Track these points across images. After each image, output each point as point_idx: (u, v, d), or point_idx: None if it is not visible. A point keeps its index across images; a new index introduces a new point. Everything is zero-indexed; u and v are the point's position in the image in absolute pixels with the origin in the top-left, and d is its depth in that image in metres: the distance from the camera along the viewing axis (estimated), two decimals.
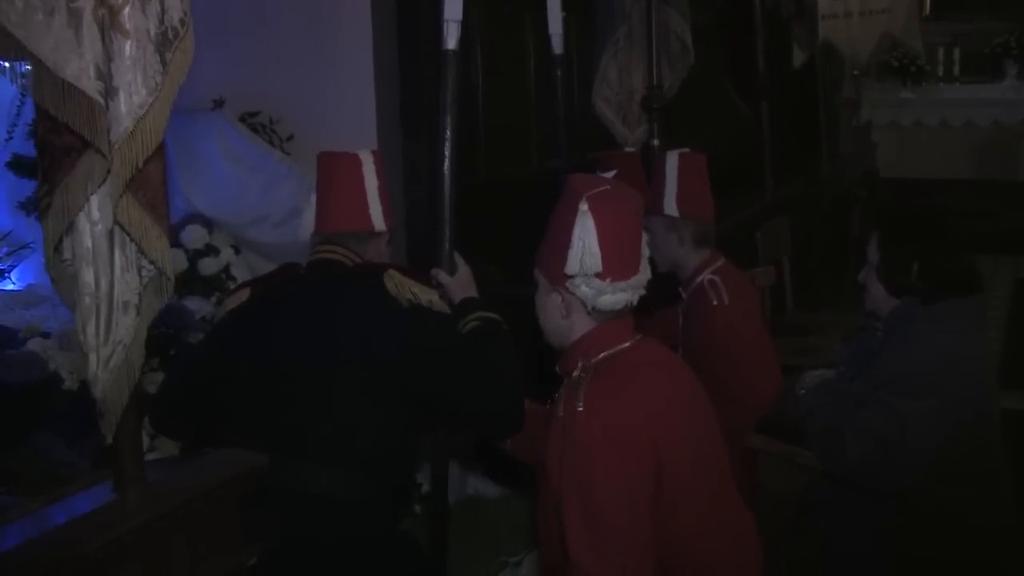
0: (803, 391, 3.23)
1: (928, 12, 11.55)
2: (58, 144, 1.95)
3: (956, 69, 11.48)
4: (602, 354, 2.45)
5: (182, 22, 1.96)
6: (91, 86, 1.88)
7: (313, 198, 2.93)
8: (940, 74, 11.46)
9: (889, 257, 3.07)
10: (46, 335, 3.97)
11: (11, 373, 3.71)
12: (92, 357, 2.07)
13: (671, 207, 3.67)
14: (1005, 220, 9.69)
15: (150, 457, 3.22)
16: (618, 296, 2.41)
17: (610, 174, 3.74)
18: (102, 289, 2.02)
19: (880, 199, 9.69)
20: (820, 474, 3.15)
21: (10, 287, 4.74)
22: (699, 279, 3.72)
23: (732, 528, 2.51)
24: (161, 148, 1.98)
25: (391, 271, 2.71)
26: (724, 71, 7.00)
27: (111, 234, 2.01)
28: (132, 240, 2.01)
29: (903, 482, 2.94)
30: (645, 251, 2.47)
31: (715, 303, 3.66)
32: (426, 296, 2.71)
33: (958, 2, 11.50)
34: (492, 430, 2.85)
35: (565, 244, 2.38)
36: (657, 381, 2.45)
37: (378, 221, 2.84)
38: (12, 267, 4.79)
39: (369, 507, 2.65)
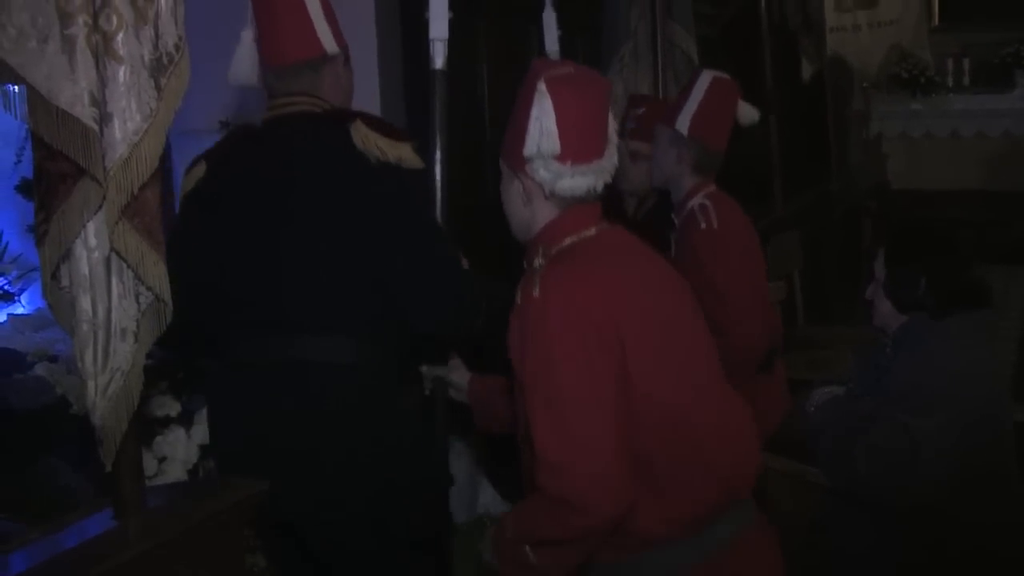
0: (813, 408, 3.21)
1: (937, 23, 11.51)
2: (53, 171, 1.95)
3: (966, 80, 11.46)
4: (565, 241, 2.36)
5: (177, 47, 1.95)
6: (85, 113, 1.87)
7: (246, 33, 2.70)
8: (950, 85, 11.44)
9: (896, 273, 3.04)
10: (54, 359, 3.96)
11: (19, 398, 3.71)
12: (90, 384, 2.06)
13: (683, 123, 3.62)
14: (1017, 230, 9.64)
15: (156, 482, 3.22)
16: (578, 180, 2.31)
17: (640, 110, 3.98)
18: (99, 316, 2.01)
19: (891, 211, 9.67)
20: (830, 492, 3.13)
21: (20, 310, 4.74)
22: (690, 203, 3.66)
23: (717, 421, 2.36)
24: (157, 174, 1.97)
25: (358, 123, 2.59)
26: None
27: (108, 261, 2.00)
28: (129, 267, 2.00)
29: (914, 500, 2.91)
30: (612, 136, 2.39)
31: (703, 227, 3.59)
32: (394, 152, 2.60)
33: (967, 13, 11.47)
34: (426, 322, 2.76)
35: (523, 127, 2.30)
36: (619, 265, 2.37)
37: (328, 42, 2.67)
38: (22, 290, 4.79)
39: (364, 373, 2.67)
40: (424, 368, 3.03)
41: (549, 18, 3.45)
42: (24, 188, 4.72)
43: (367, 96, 4.45)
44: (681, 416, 2.29)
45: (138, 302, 2.06)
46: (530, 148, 2.29)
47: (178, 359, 3.28)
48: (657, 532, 2.28)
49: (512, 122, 2.37)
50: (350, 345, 2.63)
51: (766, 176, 6.95)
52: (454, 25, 3.10)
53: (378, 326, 2.68)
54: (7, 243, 4.90)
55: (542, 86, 2.27)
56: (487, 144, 5.14)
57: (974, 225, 9.09)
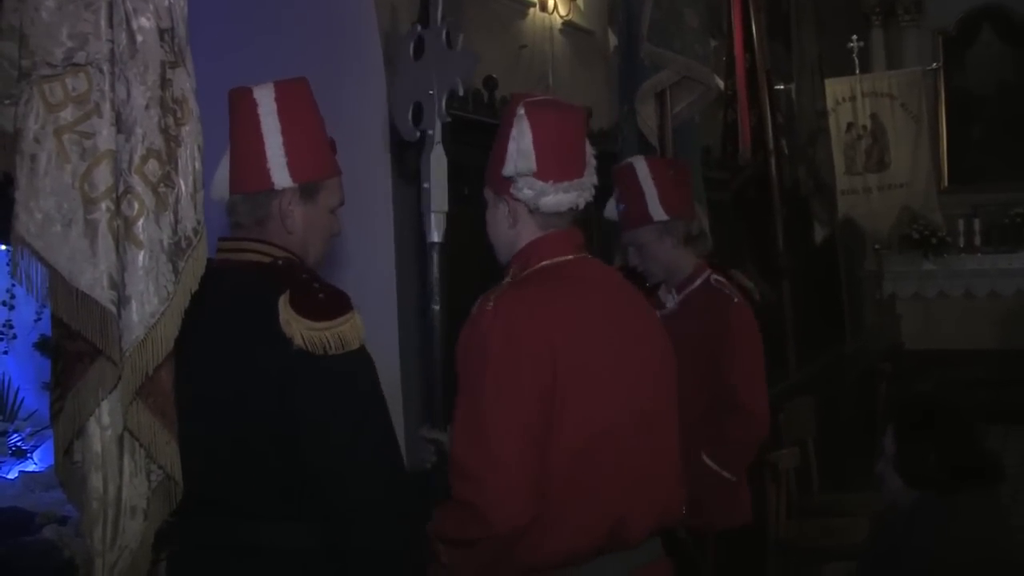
0: None
1: (946, 184, 11.69)
2: (71, 350, 1.98)
3: (977, 240, 11.57)
4: (541, 263, 2.44)
5: (195, 231, 2.00)
6: (104, 295, 1.91)
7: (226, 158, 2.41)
8: (961, 245, 11.55)
9: (905, 450, 3.03)
10: (63, 521, 3.95)
11: (25, 562, 3.68)
12: (98, 562, 2.05)
13: (657, 211, 3.63)
14: None
15: None
16: (560, 197, 2.42)
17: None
18: (110, 494, 2.01)
19: (905, 373, 9.64)
20: None
21: (32, 468, 4.74)
22: (700, 279, 3.68)
23: (629, 467, 2.38)
24: (171, 355, 2.00)
25: (286, 297, 2.18)
26: (744, 252, 7.06)
27: (121, 439, 2.01)
28: (141, 445, 2.01)
29: None
30: (591, 157, 2.48)
31: (736, 300, 3.62)
32: (321, 336, 2.16)
33: (976, 174, 11.65)
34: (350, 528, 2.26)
35: (503, 150, 2.43)
36: (580, 295, 2.43)
37: (279, 175, 2.30)
38: (35, 447, 4.80)
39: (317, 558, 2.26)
40: (423, 430, 2.89)
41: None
42: (42, 345, 4.77)
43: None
44: (590, 454, 2.32)
45: (149, 480, 2.06)
46: (508, 168, 2.43)
47: None
48: (530, 557, 2.32)
49: (494, 150, 2.50)
50: (300, 529, 2.26)
51: (780, 341, 6.97)
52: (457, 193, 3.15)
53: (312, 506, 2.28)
54: (23, 399, 4.93)
55: (520, 110, 2.44)
56: None
57: (990, 385, 9.06)
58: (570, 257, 2.47)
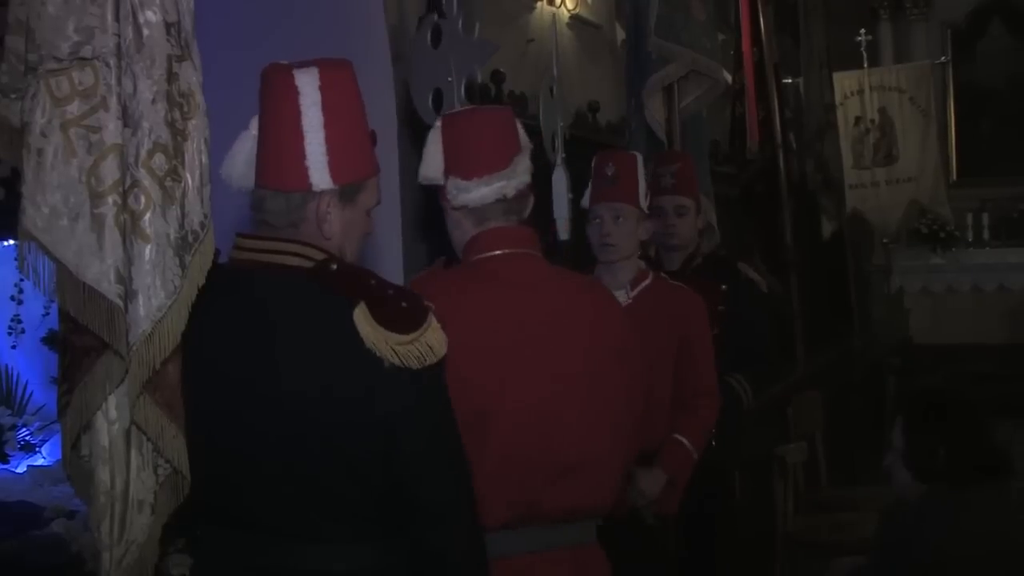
0: None
1: (955, 178, 11.65)
2: (78, 344, 1.98)
3: (985, 234, 11.53)
4: (472, 259, 2.52)
5: (202, 225, 2.00)
6: (111, 290, 1.91)
7: (252, 128, 2.19)
8: (970, 239, 11.52)
9: (914, 443, 3.02)
10: (72, 515, 3.95)
11: (34, 556, 3.69)
12: (105, 556, 2.05)
13: (643, 204, 3.69)
14: None
15: None
16: (483, 190, 2.49)
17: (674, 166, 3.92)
18: (117, 488, 2.01)
19: (914, 367, 9.63)
20: None
21: (40, 462, 4.74)
22: (652, 276, 3.73)
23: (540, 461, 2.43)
24: (178, 349, 2.00)
25: (362, 309, 2.00)
26: (752, 246, 7.05)
27: (128, 433, 2.01)
28: (148, 439, 2.01)
29: None
30: (521, 147, 2.55)
31: (689, 291, 3.74)
32: (412, 349, 2.02)
33: (984, 168, 11.61)
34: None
35: None
36: (492, 291, 2.48)
37: (318, 176, 2.09)
38: (43, 442, 4.80)
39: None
40: None
41: (560, 179, 3.52)
42: (51, 340, 4.77)
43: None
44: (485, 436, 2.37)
45: (156, 474, 2.06)
46: (420, 176, 2.56)
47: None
48: None
49: None
50: (346, 551, 2.13)
51: (788, 336, 6.96)
52: None
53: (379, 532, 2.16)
54: (31, 393, 4.93)
55: (437, 123, 2.58)
56: None
57: (999, 379, 9.04)
58: (501, 252, 2.52)
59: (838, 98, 9.99)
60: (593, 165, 3.67)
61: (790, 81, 8.66)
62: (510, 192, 2.52)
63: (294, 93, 2.08)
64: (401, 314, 2.03)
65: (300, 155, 2.07)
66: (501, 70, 4.89)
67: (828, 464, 5.89)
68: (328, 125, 2.08)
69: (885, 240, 10.92)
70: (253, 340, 2.06)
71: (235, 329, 2.06)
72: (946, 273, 11.33)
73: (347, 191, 2.13)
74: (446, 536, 2.11)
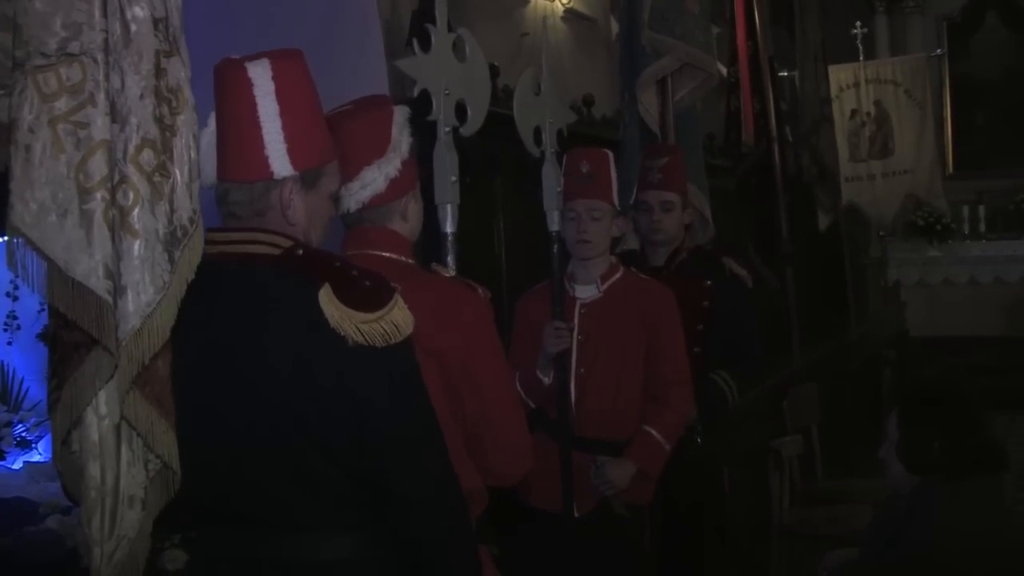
0: (826, 572, 3.16)
1: (951, 171, 11.67)
2: (68, 340, 1.98)
3: (982, 226, 11.55)
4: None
5: (191, 220, 2.00)
6: (100, 285, 1.91)
7: (210, 123, 2.20)
8: (966, 232, 11.54)
9: (909, 435, 3.02)
10: (67, 511, 3.95)
11: (29, 552, 3.69)
12: (96, 551, 2.05)
13: (615, 200, 3.71)
14: None
15: None
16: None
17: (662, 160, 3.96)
18: (108, 483, 2.01)
19: (910, 360, 9.64)
20: None
21: (36, 458, 4.75)
22: (622, 270, 3.74)
23: None
24: (168, 344, 1.99)
25: (326, 290, 2.01)
26: (747, 239, 7.06)
27: (118, 428, 2.01)
28: (139, 435, 2.01)
29: None
30: (385, 159, 2.51)
31: (658, 283, 3.78)
32: (377, 327, 2.02)
33: (981, 160, 11.63)
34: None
35: None
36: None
37: (279, 163, 2.12)
38: (39, 438, 4.80)
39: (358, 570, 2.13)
40: None
41: (549, 173, 3.51)
42: (46, 336, 4.77)
43: None
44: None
45: (147, 469, 2.06)
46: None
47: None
48: None
49: None
50: (331, 540, 2.12)
51: (784, 329, 6.97)
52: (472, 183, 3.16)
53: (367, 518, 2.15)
54: (27, 389, 4.93)
55: None
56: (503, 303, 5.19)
57: (994, 372, 9.06)
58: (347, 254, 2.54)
59: (834, 91, 9.99)
60: (565, 162, 3.65)
61: (785, 74, 8.66)
62: (350, 206, 2.56)
63: (247, 85, 2.12)
64: (365, 293, 2.04)
65: (259, 145, 2.11)
66: (495, 64, 4.89)
67: (823, 457, 5.90)
68: (284, 113, 2.12)
69: (881, 233, 10.92)
70: (226, 331, 2.08)
71: (208, 322, 2.07)
72: (942, 266, 11.35)
73: (308, 177, 2.17)
74: (422, 523, 2.11)
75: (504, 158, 4.97)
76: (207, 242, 2.09)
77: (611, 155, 3.74)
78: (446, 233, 3.00)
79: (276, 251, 2.12)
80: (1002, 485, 3.08)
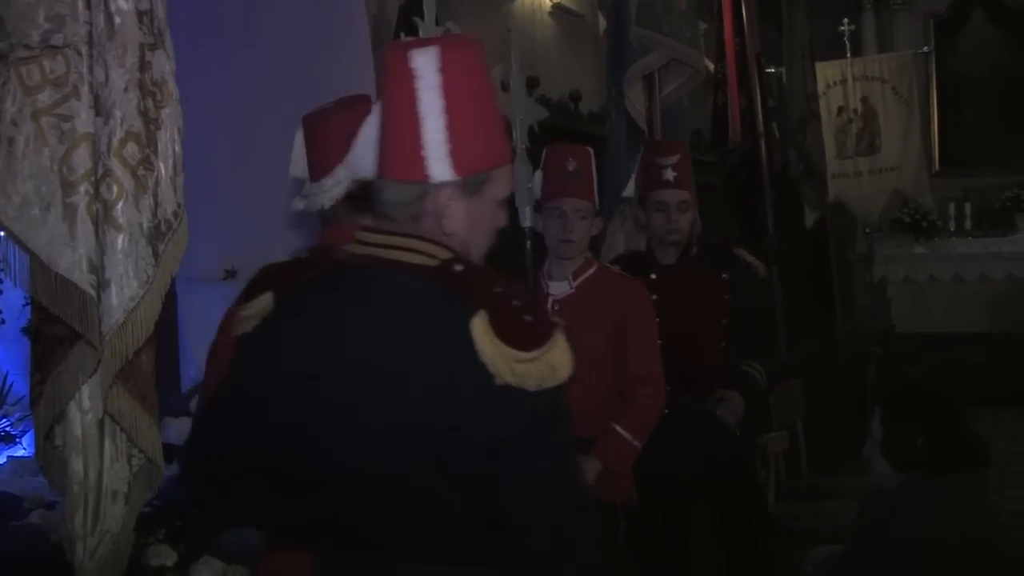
0: (810, 568, 3.17)
1: (938, 168, 11.68)
2: (51, 334, 1.98)
3: (968, 223, 11.57)
4: None
5: (175, 214, 2.00)
6: (83, 279, 1.91)
7: (374, 115, 2.02)
8: (952, 229, 11.55)
9: (893, 432, 3.03)
10: (51, 505, 3.94)
11: (13, 546, 3.67)
12: (79, 546, 2.05)
13: (596, 200, 3.69)
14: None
15: None
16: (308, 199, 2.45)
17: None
18: (91, 478, 2.01)
19: (896, 356, 9.67)
20: None
21: (20, 452, 4.73)
22: (596, 266, 3.73)
23: None
24: (152, 338, 1.99)
25: (481, 317, 1.80)
26: (734, 235, 7.05)
27: (101, 423, 2.01)
28: (122, 430, 2.01)
29: None
30: (352, 156, 2.28)
31: (631, 280, 3.76)
32: (532, 370, 1.80)
33: (967, 158, 11.65)
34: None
35: None
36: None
37: (437, 167, 1.88)
38: (23, 432, 4.78)
39: None
40: None
41: (520, 169, 3.50)
42: (30, 330, 4.75)
43: None
44: None
45: (130, 464, 2.06)
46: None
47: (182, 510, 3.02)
48: None
49: None
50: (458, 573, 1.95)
51: (770, 325, 6.97)
52: None
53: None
54: (11, 384, 4.91)
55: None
56: None
57: (980, 368, 9.09)
58: (303, 255, 2.47)
59: (821, 88, 9.99)
60: (546, 157, 3.61)
61: (773, 71, 8.66)
62: (324, 202, 2.51)
63: (410, 76, 1.88)
64: (524, 328, 1.82)
65: (417, 144, 1.87)
66: None
67: (809, 453, 5.90)
68: (450, 110, 1.87)
69: (867, 229, 10.94)
70: (363, 343, 1.88)
71: (342, 329, 1.89)
72: (928, 262, 11.36)
73: (471, 183, 1.92)
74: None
75: None
76: (356, 241, 1.96)
77: (592, 153, 3.71)
78: None
79: (432, 263, 1.90)
80: (985, 481, 3.08)
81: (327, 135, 2.43)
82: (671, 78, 5.19)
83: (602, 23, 5.98)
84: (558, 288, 3.66)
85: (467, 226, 1.94)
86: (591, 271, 3.68)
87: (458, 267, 1.89)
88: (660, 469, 3.66)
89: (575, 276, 3.66)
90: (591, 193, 3.61)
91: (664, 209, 4.06)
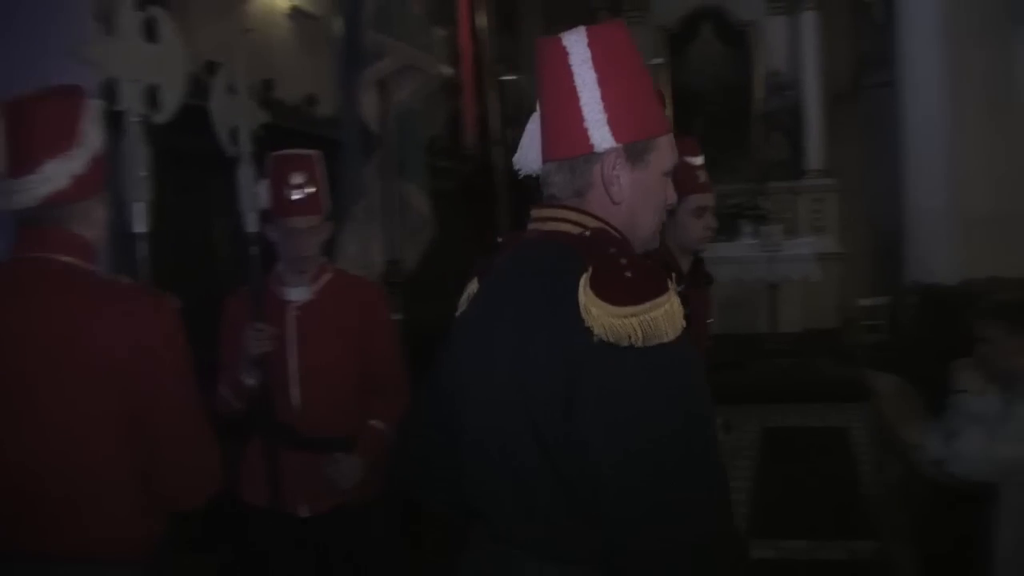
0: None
1: None
2: None
3: None
4: None
5: None
6: None
7: (535, 116, 2.09)
8: None
9: None
10: None
11: None
12: None
13: (328, 205, 3.65)
14: (750, 372, 10.14)
15: None
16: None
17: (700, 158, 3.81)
18: None
19: None
20: None
21: None
22: (332, 270, 3.73)
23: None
24: None
25: (587, 275, 1.80)
26: (466, 239, 7.17)
27: None
28: None
29: None
30: (71, 154, 2.34)
31: (371, 283, 3.82)
32: (628, 324, 1.75)
33: None
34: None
35: None
36: None
37: (599, 135, 1.96)
38: None
39: None
40: None
41: (246, 174, 3.47)
42: None
43: None
44: None
45: None
46: None
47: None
48: None
49: None
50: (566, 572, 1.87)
51: None
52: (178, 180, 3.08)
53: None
54: None
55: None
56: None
57: (713, 366, 9.49)
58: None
59: None
60: (274, 166, 3.53)
61: (511, 78, 8.84)
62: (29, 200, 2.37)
63: (563, 55, 1.98)
64: (623, 283, 1.79)
65: (578, 116, 1.96)
66: (215, 61, 4.79)
67: None
68: (603, 83, 1.97)
69: None
70: (505, 310, 1.92)
71: (499, 302, 1.95)
72: None
73: (633, 150, 1.99)
74: (635, 566, 1.77)
75: (221, 156, 4.89)
76: (531, 219, 2.04)
77: (321, 156, 3.66)
78: (135, 234, 2.89)
79: (576, 230, 1.95)
80: None
81: (36, 123, 2.30)
82: (405, 83, 5.23)
83: (338, 27, 6.00)
84: (298, 294, 3.62)
85: (634, 195, 2.01)
86: (329, 276, 3.67)
87: (589, 232, 1.94)
88: None
89: (313, 281, 3.65)
90: (319, 206, 3.55)
91: (702, 214, 3.76)
